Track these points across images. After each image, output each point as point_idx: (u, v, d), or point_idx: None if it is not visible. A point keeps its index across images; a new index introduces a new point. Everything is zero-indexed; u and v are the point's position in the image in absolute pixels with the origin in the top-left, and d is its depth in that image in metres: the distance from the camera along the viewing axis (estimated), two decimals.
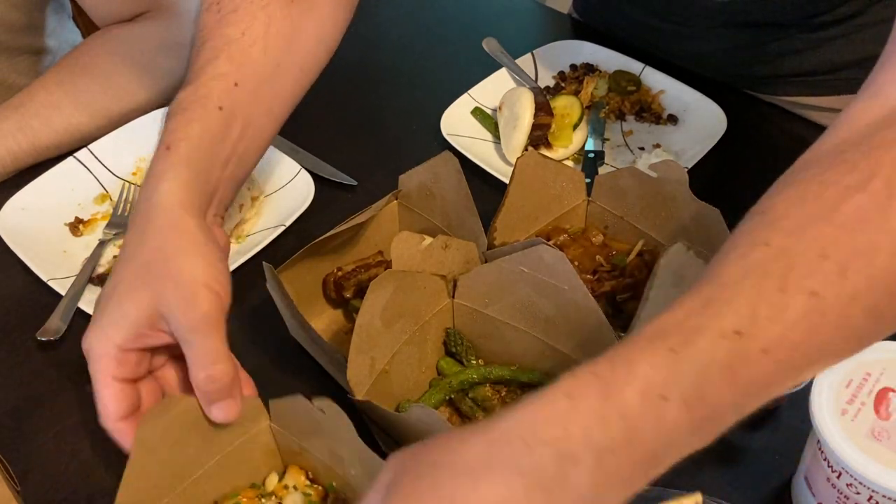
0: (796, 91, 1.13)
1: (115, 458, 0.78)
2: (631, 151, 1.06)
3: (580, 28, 1.29)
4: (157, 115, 1.08)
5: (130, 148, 1.05)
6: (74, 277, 0.91)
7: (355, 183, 1.02)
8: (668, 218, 0.86)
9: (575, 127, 1.04)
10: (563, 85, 1.15)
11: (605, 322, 0.73)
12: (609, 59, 1.16)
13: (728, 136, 1.03)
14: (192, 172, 0.71)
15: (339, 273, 0.86)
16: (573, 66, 1.17)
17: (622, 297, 0.84)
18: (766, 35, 1.08)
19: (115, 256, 0.95)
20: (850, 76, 1.10)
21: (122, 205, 1.00)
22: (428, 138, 1.06)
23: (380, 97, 1.19)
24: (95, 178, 1.03)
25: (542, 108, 1.02)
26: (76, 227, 0.98)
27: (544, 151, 1.02)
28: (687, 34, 1.12)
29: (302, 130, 1.09)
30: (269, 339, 0.87)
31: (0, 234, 0.94)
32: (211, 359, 0.65)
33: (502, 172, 0.99)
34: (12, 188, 0.99)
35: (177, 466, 0.67)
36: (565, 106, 1.05)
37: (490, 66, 1.14)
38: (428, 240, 0.78)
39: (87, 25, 1.27)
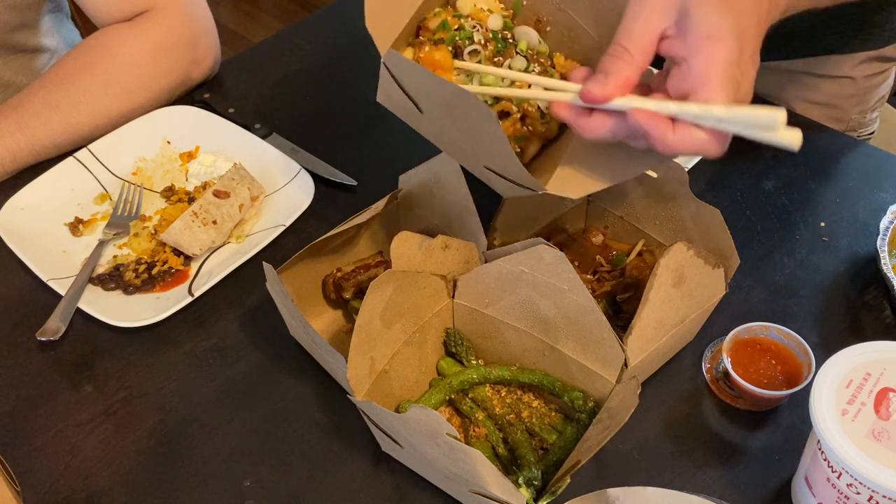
0: (777, 55, 1.13)
1: (114, 458, 0.79)
2: None
3: None
4: (157, 115, 1.08)
5: (130, 148, 1.05)
6: (74, 277, 0.91)
7: (355, 183, 1.02)
8: (668, 218, 0.86)
9: None
10: None
11: (605, 322, 0.73)
12: None
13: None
14: None
15: (339, 273, 0.86)
16: None
17: (622, 297, 0.84)
18: None
19: (114, 256, 0.95)
20: (829, 35, 1.10)
21: (121, 205, 1.00)
22: None
23: None
24: (95, 178, 1.03)
25: None
26: (76, 227, 0.98)
27: None
28: None
29: (302, 130, 1.09)
30: (269, 339, 0.87)
31: (0, 234, 0.94)
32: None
33: None
34: (12, 188, 0.99)
35: None
36: None
37: None
38: (428, 240, 0.78)
39: (86, 25, 1.27)
